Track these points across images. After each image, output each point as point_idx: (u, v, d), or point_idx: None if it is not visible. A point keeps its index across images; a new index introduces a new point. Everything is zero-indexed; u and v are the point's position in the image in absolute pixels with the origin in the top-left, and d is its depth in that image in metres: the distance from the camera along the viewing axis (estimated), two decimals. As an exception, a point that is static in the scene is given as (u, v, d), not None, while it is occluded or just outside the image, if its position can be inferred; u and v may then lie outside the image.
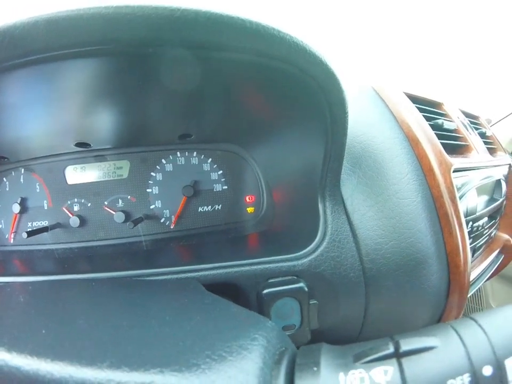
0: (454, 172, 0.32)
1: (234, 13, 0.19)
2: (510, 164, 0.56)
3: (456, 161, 0.32)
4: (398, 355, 0.13)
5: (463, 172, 0.35)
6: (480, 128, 0.51)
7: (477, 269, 0.43)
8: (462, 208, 0.31)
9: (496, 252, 0.53)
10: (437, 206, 0.30)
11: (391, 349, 0.13)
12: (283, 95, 0.26)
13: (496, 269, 0.56)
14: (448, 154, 0.34)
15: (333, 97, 0.24)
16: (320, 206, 0.31)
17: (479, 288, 1.28)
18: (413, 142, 0.31)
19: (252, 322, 0.19)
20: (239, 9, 0.20)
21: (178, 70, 0.22)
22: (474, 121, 0.53)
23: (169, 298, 0.24)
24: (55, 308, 0.21)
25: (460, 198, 0.34)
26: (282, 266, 0.29)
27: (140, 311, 0.21)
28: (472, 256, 0.44)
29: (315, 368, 0.14)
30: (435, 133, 0.34)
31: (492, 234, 0.51)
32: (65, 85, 0.24)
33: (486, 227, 0.43)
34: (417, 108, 0.35)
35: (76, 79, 0.23)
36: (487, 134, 0.51)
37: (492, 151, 0.51)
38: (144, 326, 0.18)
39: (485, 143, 0.49)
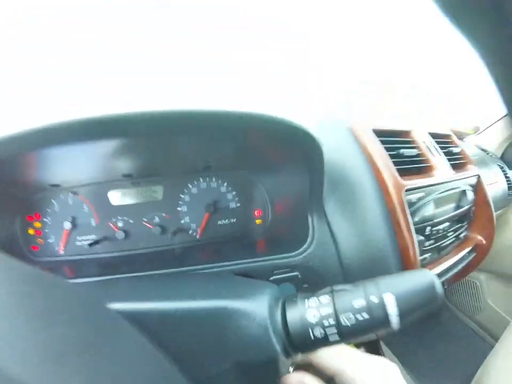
0: (409, 190, 0.42)
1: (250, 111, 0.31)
2: (478, 175, 0.66)
3: (410, 183, 0.43)
4: (332, 291, 0.25)
5: (420, 189, 0.45)
6: (449, 147, 0.61)
7: (443, 265, 0.53)
8: (412, 217, 0.42)
9: (467, 250, 0.62)
10: (392, 217, 0.41)
11: (329, 289, 0.25)
12: (281, 149, 0.39)
13: (469, 264, 0.65)
14: (411, 175, 0.45)
15: (315, 156, 0.36)
16: (309, 219, 0.42)
17: (476, 286, 1.35)
18: (375, 170, 0.42)
19: (264, 284, 0.31)
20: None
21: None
22: (444, 140, 0.63)
23: (206, 275, 0.37)
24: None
25: (416, 209, 0.44)
26: (283, 262, 0.41)
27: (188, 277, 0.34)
28: (439, 254, 0.54)
29: (295, 299, 0.26)
30: (397, 160, 0.45)
31: (461, 235, 0.61)
32: (124, 143, 0.36)
33: (449, 230, 0.54)
34: (382, 140, 0.46)
35: (132, 139, 0.35)
36: (454, 152, 0.61)
37: (460, 165, 0.61)
38: (193, 282, 0.31)
39: (454, 159, 0.60)
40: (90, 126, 0.29)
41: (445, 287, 0.64)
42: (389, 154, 0.44)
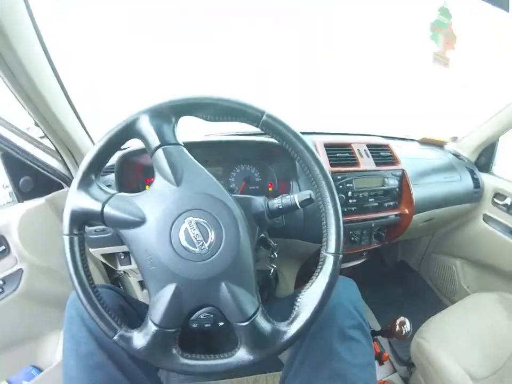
0: (334, 172, 0.92)
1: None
2: (402, 170, 1.11)
3: (335, 169, 0.92)
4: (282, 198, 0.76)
5: (344, 173, 0.94)
6: (380, 151, 1.08)
7: (367, 215, 1.01)
8: (338, 186, 0.92)
9: (392, 213, 1.08)
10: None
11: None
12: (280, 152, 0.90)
13: (397, 224, 1.11)
14: (341, 166, 0.95)
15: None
16: (291, 185, 0.93)
17: (452, 272, 1.70)
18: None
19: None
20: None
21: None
22: (378, 148, 1.10)
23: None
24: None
25: (342, 182, 0.93)
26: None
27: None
28: (363, 210, 1.01)
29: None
30: (334, 157, 0.95)
31: (386, 204, 1.07)
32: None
33: (370, 198, 1.01)
34: (328, 149, 0.96)
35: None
36: (382, 154, 1.08)
37: (386, 163, 1.08)
38: None
39: (380, 159, 1.07)
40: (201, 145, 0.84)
41: (382, 234, 1.11)
42: (328, 155, 0.94)
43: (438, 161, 1.42)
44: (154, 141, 0.50)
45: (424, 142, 1.56)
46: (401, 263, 1.98)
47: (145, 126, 0.50)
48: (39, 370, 1.06)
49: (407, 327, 0.92)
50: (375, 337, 1.04)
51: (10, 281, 0.93)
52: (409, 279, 1.89)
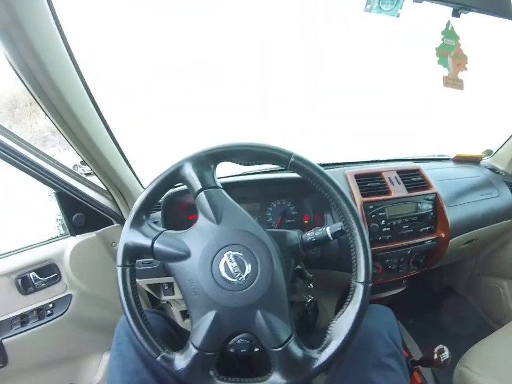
0: (365, 202, 0.96)
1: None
2: (435, 193, 1.11)
3: (366, 199, 0.96)
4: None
5: (376, 202, 0.98)
6: (411, 177, 1.11)
7: (402, 243, 1.02)
8: (371, 215, 0.95)
9: (429, 238, 1.07)
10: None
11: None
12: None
13: (435, 249, 1.10)
14: (371, 195, 0.98)
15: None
16: (324, 217, 0.98)
17: (500, 293, 1.58)
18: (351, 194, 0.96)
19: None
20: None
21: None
22: (408, 173, 1.12)
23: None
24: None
25: (375, 211, 0.97)
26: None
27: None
28: (397, 237, 1.03)
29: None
30: (365, 187, 0.99)
31: (421, 230, 1.07)
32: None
33: (404, 224, 1.03)
34: (359, 179, 1.00)
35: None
36: (413, 180, 1.10)
37: (417, 188, 1.09)
38: None
39: (413, 184, 1.09)
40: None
41: (420, 261, 1.12)
42: (359, 185, 0.99)
43: (473, 178, 1.39)
44: (197, 185, 0.58)
45: (459, 160, 1.53)
46: (447, 289, 1.88)
47: (189, 172, 0.58)
48: (78, 388, 1.16)
49: (446, 355, 0.90)
50: (415, 367, 1.01)
51: (60, 305, 1.05)
52: (456, 305, 1.78)
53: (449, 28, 0.76)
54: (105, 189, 1.04)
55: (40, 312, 1.01)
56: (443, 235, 1.10)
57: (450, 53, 0.78)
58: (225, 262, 0.54)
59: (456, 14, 0.69)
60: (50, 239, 1.06)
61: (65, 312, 1.03)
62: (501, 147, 1.55)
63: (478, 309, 1.73)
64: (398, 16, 0.67)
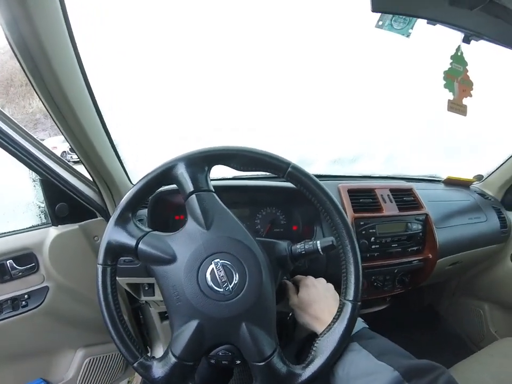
0: (357, 218, 0.95)
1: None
2: (426, 214, 1.12)
3: (358, 215, 0.95)
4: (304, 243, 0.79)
5: (367, 218, 0.97)
6: (403, 197, 1.11)
7: (390, 260, 1.02)
8: (362, 231, 0.94)
9: (416, 258, 1.08)
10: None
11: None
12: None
13: (422, 269, 1.10)
14: (363, 212, 0.98)
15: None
16: (315, 229, 0.97)
17: (480, 316, 1.59)
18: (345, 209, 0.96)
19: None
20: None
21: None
22: (401, 192, 1.12)
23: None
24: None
25: (365, 228, 0.96)
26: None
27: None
28: (386, 254, 1.03)
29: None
30: (358, 203, 0.98)
31: (409, 249, 1.08)
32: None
33: (393, 243, 1.03)
34: (352, 194, 1.00)
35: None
36: (405, 199, 1.10)
37: (408, 208, 1.10)
38: None
39: (405, 203, 1.09)
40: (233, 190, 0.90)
41: (406, 280, 1.12)
42: (352, 201, 0.98)
43: (463, 202, 1.41)
44: (189, 187, 0.56)
45: (449, 183, 1.55)
46: (428, 308, 1.90)
47: (181, 172, 0.56)
48: (48, 384, 1.12)
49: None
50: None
51: (36, 297, 1.00)
52: (436, 325, 1.81)
53: (459, 53, 0.76)
54: (92, 180, 0.99)
55: (14, 303, 0.97)
56: (430, 256, 1.11)
57: (457, 78, 0.79)
58: (212, 270, 0.52)
59: (467, 40, 0.69)
60: (30, 227, 1.01)
61: (40, 304, 0.99)
62: (492, 173, 1.58)
63: (457, 330, 1.74)
64: (408, 36, 0.67)
